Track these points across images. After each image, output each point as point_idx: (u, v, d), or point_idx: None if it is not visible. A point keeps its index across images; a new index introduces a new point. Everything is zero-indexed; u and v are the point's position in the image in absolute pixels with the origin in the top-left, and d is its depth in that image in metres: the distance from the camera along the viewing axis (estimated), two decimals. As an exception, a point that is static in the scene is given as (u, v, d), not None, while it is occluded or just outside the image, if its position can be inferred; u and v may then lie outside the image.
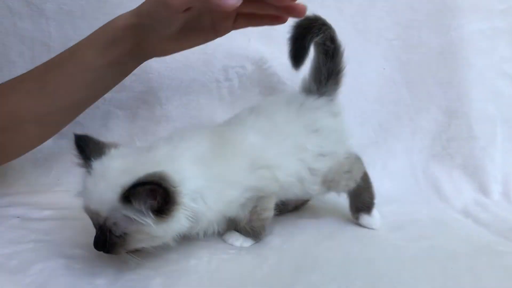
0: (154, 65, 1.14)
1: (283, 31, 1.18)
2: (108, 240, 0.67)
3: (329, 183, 0.92)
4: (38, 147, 1.07)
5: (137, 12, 0.85)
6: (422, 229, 0.99)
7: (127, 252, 0.69)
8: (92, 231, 0.70)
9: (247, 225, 0.82)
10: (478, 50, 1.25)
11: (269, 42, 1.20)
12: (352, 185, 0.96)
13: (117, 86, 1.14)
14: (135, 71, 1.13)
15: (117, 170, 0.67)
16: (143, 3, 0.84)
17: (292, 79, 1.20)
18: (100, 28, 0.90)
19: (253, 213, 0.82)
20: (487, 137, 1.24)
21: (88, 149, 0.70)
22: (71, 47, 0.91)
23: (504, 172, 1.23)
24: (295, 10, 0.81)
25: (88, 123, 1.15)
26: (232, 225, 0.85)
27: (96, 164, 0.69)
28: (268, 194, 0.84)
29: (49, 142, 1.12)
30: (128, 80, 1.14)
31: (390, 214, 1.06)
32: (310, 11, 1.19)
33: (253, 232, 0.83)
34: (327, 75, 0.97)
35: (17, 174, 1.09)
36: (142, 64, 1.13)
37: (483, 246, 0.92)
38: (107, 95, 1.15)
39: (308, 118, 0.91)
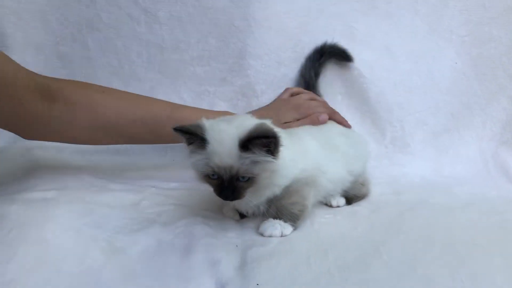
0: (252, 63, 1.32)
1: (363, 30, 1.35)
2: (235, 188, 0.84)
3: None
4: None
5: None
6: (493, 206, 1.11)
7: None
8: (211, 199, 0.89)
9: (288, 205, 0.91)
10: (547, 45, 1.34)
11: (350, 41, 1.35)
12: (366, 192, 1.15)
13: (220, 81, 1.34)
14: (235, 68, 1.32)
15: (230, 129, 0.83)
16: None
17: (371, 73, 1.35)
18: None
19: (296, 196, 0.92)
20: (554, 125, 1.33)
21: (191, 130, 0.84)
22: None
23: None
24: None
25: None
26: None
27: (210, 134, 0.83)
28: (312, 183, 0.96)
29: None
30: (229, 76, 1.34)
31: (462, 194, 1.19)
32: (387, 12, 1.35)
33: (292, 216, 0.91)
34: None
35: (140, 155, 1.31)
36: (241, 62, 1.33)
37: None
38: (211, 89, 1.35)
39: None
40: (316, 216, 0.97)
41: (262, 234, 0.88)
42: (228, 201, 0.89)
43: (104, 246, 0.78)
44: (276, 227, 0.88)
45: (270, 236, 0.87)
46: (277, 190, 0.90)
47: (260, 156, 0.82)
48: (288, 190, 0.91)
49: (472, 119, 1.38)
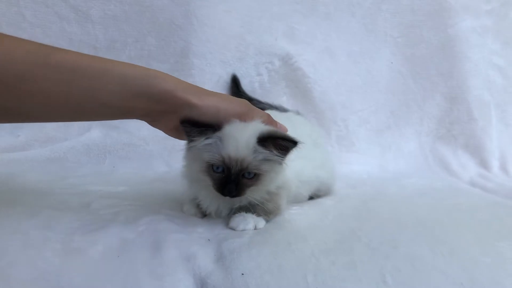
0: (196, 62, 1.26)
1: (305, 30, 1.36)
2: (239, 183, 0.78)
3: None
4: (90, 141, 1.19)
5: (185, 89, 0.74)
6: (443, 194, 1.15)
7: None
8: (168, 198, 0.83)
9: (264, 204, 0.84)
10: (472, 45, 1.44)
11: (292, 41, 1.35)
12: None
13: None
14: (178, 67, 1.26)
15: (248, 125, 0.77)
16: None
17: (314, 73, 1.36)
18: (141, 72, 0.72)
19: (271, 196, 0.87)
20: (484, 119, 1.42)
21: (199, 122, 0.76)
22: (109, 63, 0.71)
23: (500, 149, 1.42)
24: None
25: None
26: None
27: (226, 128, 0.76)
28: (288, 187, 0.91)
29: (99, 135, 1.24)
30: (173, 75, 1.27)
31: (412, 185, 1.22)
32: (326, 14, 1.37)
33: (265, 211, 0.85)
34: None
35: (76, 163, 1.18)
36: (184, 61, 1.27)
37: (496, 202, 1.09)
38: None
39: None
40: (284, 208, 0.92)
41: (233, 229, 0.82)
42: (190, 199, 0.86)
43: (57, 248, 0.67)
44: (249, 221, 0.82)
45: (243, 231, 0.81)
46: (265, 194, 0.84)
47: (273, 155, 0.78)
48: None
49: (410, 116, 1.43)
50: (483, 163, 1.38)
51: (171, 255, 0.69)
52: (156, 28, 1.26)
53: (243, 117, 0.78)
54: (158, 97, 0.71)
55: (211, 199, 0.85)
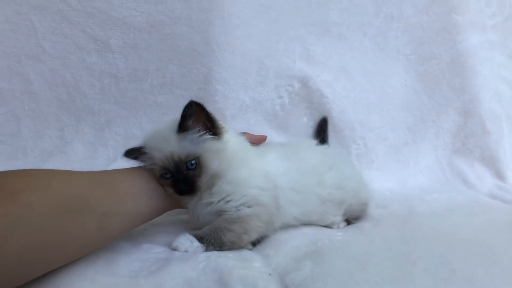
0: (219, 88, 1.27)
1: (320, 52, 1.37)
2: (187, 178, 0.85)
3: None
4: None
5: None
6: (470, 209, 1.17)
7: None
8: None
9: (224, 229, 0.84)
10: (481, 59, 1.47)
11: (309, 62, 1.36)
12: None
13: (185, 108, 1.26)
14: (201, 94, 1.26)
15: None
16: None
17: (332, 93, 1.37)
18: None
19: (237, 225, 0.85)
20: (497, 132, 1.46)
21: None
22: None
23: (513, 160, 1.46)
24: None
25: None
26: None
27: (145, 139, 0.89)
28: (265, 216, 0.88)
29: (126, 165, 1.22)
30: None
31: (436, 201, 1.24)
32: (339, 35, 1.39)
33: (219, 243, 0.84)
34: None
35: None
36: (207, 88, 1.27)
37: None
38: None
39: None
40: (329, 235, 0.93)
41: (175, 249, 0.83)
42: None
43: (128, 294, 0.67)
44: (189, 243, 0.83)
45: (186, 251, 0.82)
46: (228, 187, 0.85)
47: (198, 133, 0.83)
48: (235, 214, 0.85)
49: (426, 131, 1.46)
50: (499, 175, 1.42)
51: (240, 293, 0.70)
52: (177, 56, 1.26)
53: None
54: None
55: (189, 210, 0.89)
